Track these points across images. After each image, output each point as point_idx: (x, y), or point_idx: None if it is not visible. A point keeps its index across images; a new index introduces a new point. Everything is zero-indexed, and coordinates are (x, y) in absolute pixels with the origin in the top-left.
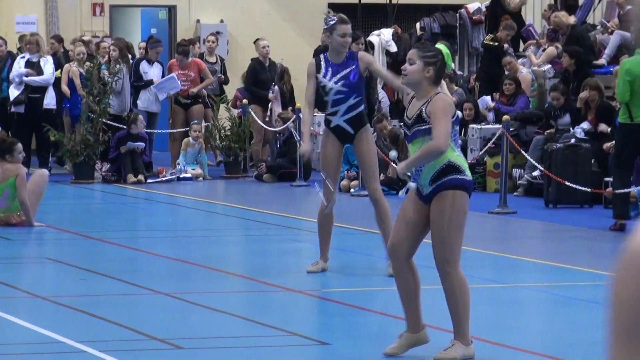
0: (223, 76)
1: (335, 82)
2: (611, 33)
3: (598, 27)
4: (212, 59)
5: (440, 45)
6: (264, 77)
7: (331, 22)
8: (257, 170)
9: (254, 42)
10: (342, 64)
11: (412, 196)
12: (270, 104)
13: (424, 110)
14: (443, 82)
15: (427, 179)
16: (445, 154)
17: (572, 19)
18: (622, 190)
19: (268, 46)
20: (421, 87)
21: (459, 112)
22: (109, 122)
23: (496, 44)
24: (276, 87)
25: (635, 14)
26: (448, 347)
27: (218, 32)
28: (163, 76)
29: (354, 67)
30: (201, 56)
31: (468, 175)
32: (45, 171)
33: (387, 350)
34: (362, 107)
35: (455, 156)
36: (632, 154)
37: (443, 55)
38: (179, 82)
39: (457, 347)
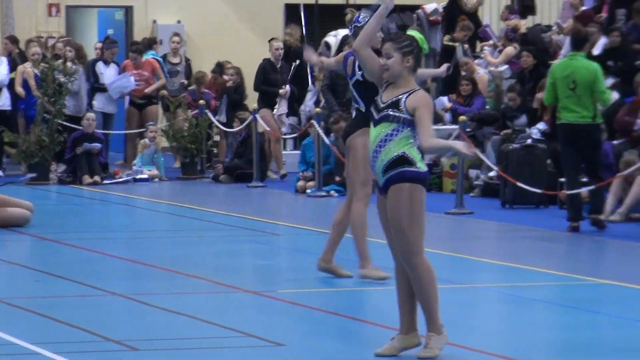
0: (186, 81)
1: None
2: (567, 34)
3: (554, 28)
4: (176, 60)
5: (413, 32)
6: (273, 77)
7: (367, 19)
8: (213, 171)
9: (269, 42)
10: None
11: (379, 193)
12: (278, 100)
13: (402, 100)
14: None
15: (380, 167)
16: (401, 146)
17: (524, 26)
18: (573, 191)
19: (282, 48)
20: (402, 77)
21: None
22: (64, 122)
23: (456, 44)
24: (287, 86)
25: None
26: (425, 343)
27: (176, 33)
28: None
29: None
30: (164, 57)
31: (422, 168)
32: (29, 214)
33: (379, 351)
34: None
35: (411, 149)
36: (571, 153)
37: (418, 42)
38: (133, 80)
39: (433, 341)
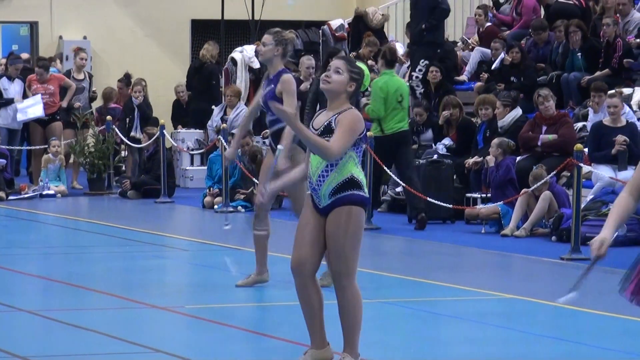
0: (96, 92)
1: None
2: (472, 50)
3: (459, 44)
4: (80, 76)
5: (363, 65)
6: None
7: None
8: (121, 187)
9: (299, 59)
10: None
11: (310, 211)
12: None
13: (333, 121)
14: None
15: (327, 191)
16: (349, 168)
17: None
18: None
19: (313, 67)
20: (338, 99)
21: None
22: None
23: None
24: (299, 101)
25: None
26: None
27: (80, 49)
28: (24, 93)
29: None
30: (68, 73)
31: (366, 193)
32: None
33: None
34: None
35: (358, 172)
36: (387, 163)
37: (364, 77)
38: (43, 108)
39: None
